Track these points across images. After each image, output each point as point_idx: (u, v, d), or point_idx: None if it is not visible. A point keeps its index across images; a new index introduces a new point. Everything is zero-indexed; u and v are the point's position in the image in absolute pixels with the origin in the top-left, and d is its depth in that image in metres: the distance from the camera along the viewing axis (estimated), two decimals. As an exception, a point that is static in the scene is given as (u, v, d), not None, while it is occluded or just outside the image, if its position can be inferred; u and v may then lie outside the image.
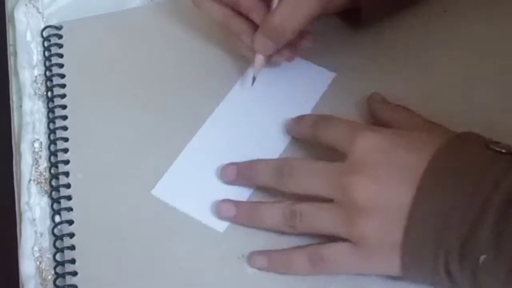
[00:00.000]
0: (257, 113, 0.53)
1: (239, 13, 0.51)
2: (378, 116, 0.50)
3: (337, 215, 0.44)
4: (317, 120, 0.50)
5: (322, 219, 0.45)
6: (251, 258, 0.48)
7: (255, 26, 0.50)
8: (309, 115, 0.52)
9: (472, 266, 0.39)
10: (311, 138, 0.50)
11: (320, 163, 0.46)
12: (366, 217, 0.43)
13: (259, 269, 0.47)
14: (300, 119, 0.51)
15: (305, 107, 0.53)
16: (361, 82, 0.53)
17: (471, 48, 0.53)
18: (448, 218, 0.40)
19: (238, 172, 0.50)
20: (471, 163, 0.41)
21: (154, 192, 0.51)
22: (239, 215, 0.49)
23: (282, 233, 0.48)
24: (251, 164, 0.50)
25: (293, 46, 0.51)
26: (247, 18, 0.50)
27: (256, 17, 0.50)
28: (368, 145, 0.44)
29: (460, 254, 0.39)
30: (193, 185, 0.51)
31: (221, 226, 0.49)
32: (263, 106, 0.53)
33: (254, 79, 0.52)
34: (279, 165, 0.48)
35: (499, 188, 0.39)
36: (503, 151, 0.41)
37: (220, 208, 0.49)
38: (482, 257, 0.39)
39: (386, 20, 0.54)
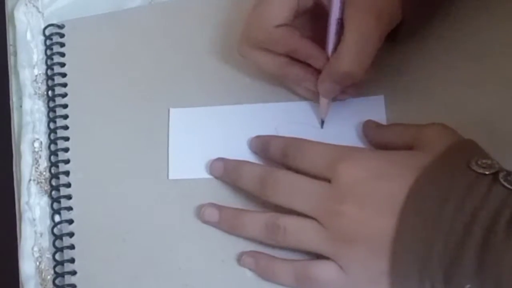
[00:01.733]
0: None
1: (295, 60, 0.49)
2: (374, 142, 0.49)
3: (323, 237, 0.44)
4: (286, 148, 0.48)
5: (308, 238, 0.45)
6: (242, 257, 0.48)
7: (314, 71, 0.49)
8: (275, 140, 0.50)
9: None
10: (284, 166, 0.48)
11: (306, 181, 0.46)
12: (352, 245, 0.43)
13: (249, 269, 0.47)
14: (266, 144, 0.50)
15: None
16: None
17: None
18: (430, 248, 0.40)
19: (224, 170, 0.50)
20: (449, 193, 0.40)
21: (171, 176, 0.51)
22: (221, 221, 0.49)
23: (263, 244, 0.47)
24: (237, 165, 0.49)
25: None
26: (303, 63, 0.49)
27: (316, 63, 0.48)
28: (351, 175, 0.44)
29: (445, 283, 0.39)
30: (199, 151, 0.51)
31: None
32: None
33: (323, 122, 0.51)
34: (264, 175, 0.47)
35: (477, 218, 0.39)
36: (486, 172, 0.41)
37: (203, 213, 0.49)
38: (467, 287, 0.39)
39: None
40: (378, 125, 0.50)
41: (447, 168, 0.42)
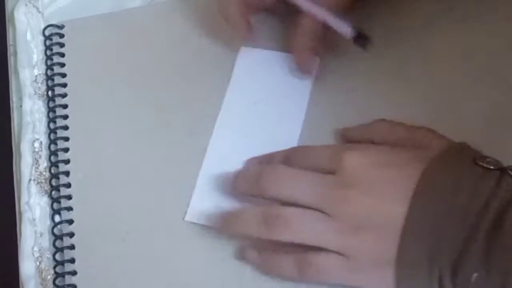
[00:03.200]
0: (261, 107, 0.53)
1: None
2: (360, 140, 0.48)
3: (328, 226, 0.43)
4: (289, 154, 0.48)
5: (311, 228, 0.43)
6: (244, 249, 0.47)
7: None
8: (276, 152, 0.49)
9: (465, 283, 0.39)
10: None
11: (309, 173, 0.44)
12: (360, 231, 0.42)
13: (251, 263, 0.47)
14: (268, 159, 0.49)
15: (303, 91, 0.53)
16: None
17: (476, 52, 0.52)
18: (440, 236, 0.40)
19: (233, 183, 0.48)
20: (461, 181, 0.40)
21: (187, 218, 0.49)
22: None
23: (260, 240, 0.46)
24: (236, 174, 0.48)
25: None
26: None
27: None
28: (358, 161, 0.43)
29: (452, 272, 0.39)
30: (220, 198, 0.49)
31: None
32: (264, 99, 0.53)
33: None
34: (262, 171, 0.46)
35: (489, 207, 0.39)
36: (491, 167, 0.41)
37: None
38: (475, 275, 0.38)
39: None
40: (358, 125, 0.49)
41: (455, 162, 0.42)
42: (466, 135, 0.46)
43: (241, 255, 0.47)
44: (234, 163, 0.49)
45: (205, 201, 0.49)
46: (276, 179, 0.45)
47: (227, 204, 0.48)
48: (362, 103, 0.51)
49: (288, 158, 0.47)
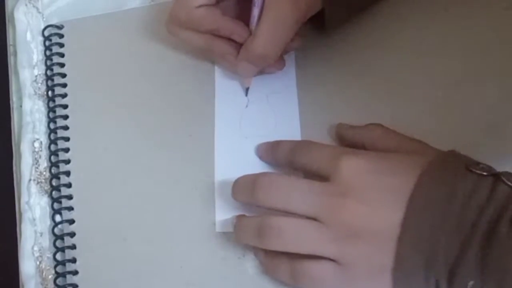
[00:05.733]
0: (253, 108, 0.53)
1: (220, 36, 0.50)
2: (351, 140, 0.49)
3: (324, 235, 0.42)
4: (295, 146, 0.48)
5: (307, 238, 0.43)
6: (255, 249, 0.47)
7: (238, 45, 0.50)
8: (285, 141, 0.50)
9: None
10: (289, 164, 0.48)
11: (303, 181, 0.44)
12: (356, 239, 0.42)
13: (259, 262, 0.47)
14: (276, 145, 0.50)
15: (289, 83, 0.53)
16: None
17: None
18: (436, 243, 0.39)
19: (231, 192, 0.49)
20: (456, 188, 0.40)
21: (218, 229, 0.49)
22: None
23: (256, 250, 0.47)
24: (233, 184, 0.48)
25: (282, 54, 0.51)
26: (228, 39, 0.50)
27: (238, 38, 0.50)
28: (354, 167, 0.43)
29: (448, 279, 0.39)
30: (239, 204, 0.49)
31: None
32: (253, 99, 0.53)
33: (247, 90, 0.53)
34: (256, 179, 0.45)
35: (484, 214, 0.39)
36: (484, 173, 0.41)
37: None
38: (471, 283, 0.39)
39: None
40: (352, 126, 0.49)
41: (448, 169, 0.42)
42: (464, 136, 0.47)
43: (254, 252, 0.48)
44: (244, 167, 0.49)
45: (228, 208, 0.49)
46: (269, 190, 0.45)
47: (248, 208, 0.49)
48: (359, 102, 0.52)
49: (294, 150, 0.48)
